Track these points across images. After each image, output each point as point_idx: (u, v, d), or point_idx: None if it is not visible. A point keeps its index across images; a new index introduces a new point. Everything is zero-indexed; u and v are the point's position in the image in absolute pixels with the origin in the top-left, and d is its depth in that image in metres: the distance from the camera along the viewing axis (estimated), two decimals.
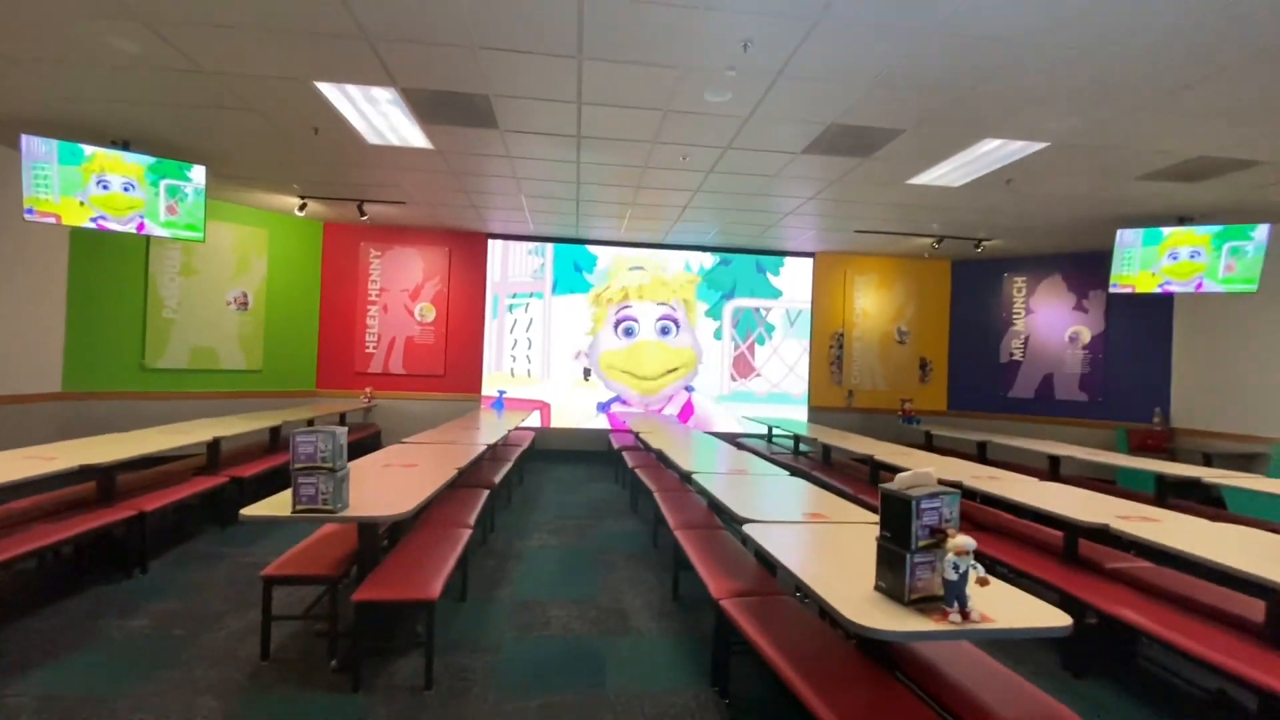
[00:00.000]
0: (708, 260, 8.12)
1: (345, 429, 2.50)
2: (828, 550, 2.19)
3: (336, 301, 7.76)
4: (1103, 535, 2.93)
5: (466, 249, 7.94)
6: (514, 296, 7.93)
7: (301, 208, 6.52)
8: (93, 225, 4.66)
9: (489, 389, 7.89)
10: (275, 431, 5.91)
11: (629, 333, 7.96)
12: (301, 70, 3.62)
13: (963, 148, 4.46)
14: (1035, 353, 7.89)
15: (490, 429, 5.44)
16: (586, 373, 7.87)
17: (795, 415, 8.24)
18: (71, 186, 4.56)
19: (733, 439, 6.89)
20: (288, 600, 3.25)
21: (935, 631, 1.58)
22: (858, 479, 5.40)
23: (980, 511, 4.23)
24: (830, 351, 8.38)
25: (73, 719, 2.21)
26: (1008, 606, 1.69)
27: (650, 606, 3.42)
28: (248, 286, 7.06)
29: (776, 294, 8.19)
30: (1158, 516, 2.92)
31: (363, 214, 6.60)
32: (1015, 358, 8.03)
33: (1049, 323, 7.82)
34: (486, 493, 4.30)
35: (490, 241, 7.96)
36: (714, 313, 8.13)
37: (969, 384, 8.38)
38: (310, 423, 6.53)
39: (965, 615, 1.60)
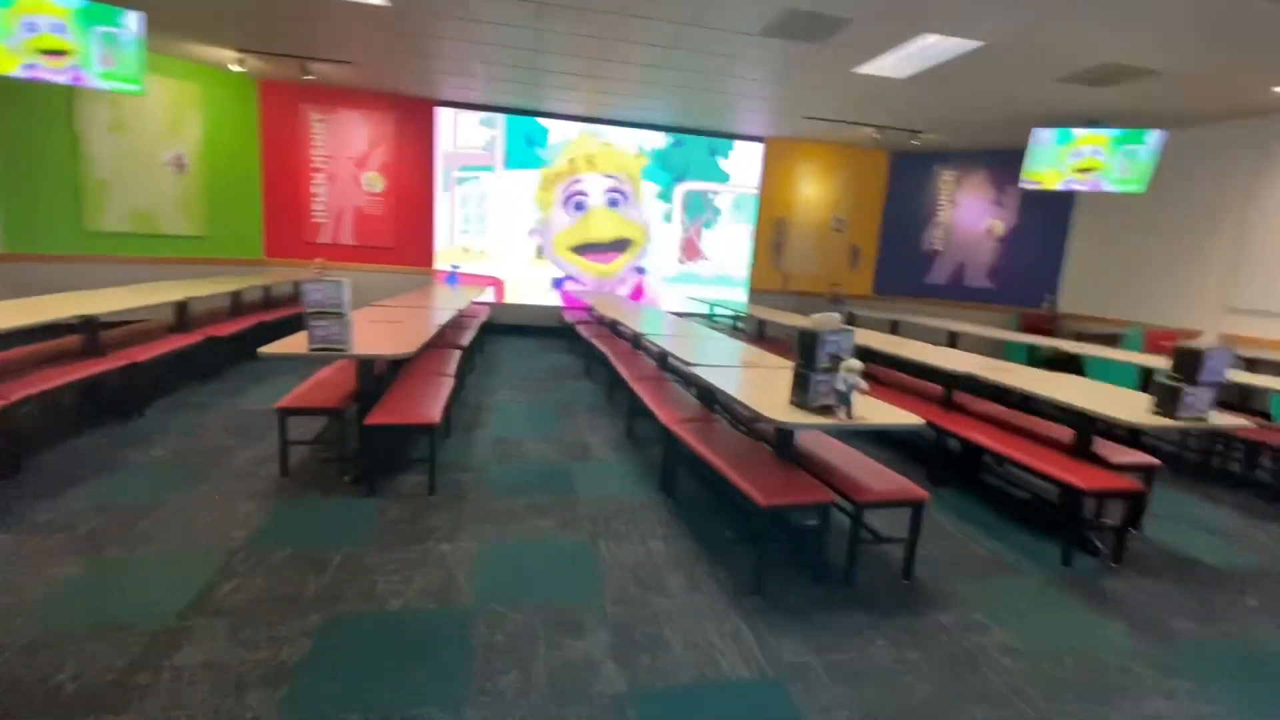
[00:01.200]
0: (660, 141, 8.23)
1: (349, 280, 2.84)
2: (757, 385, 2.78)
3: (280, 167, 7.53)
4: (971, 386, 3.69)
5: (414, 116, 7.73)
6: (464, 169, 7.90)
7: (239, 61, 6.18)
8: (24, 74, 4.41)
9: (441, 264, 8.06)
10: (236, 296, 6.02)
11: (579, 206, 8.14)
12: None
13: (906, 39, 4.75)
14: (954, 242, 8.65)
15: (451, 299, 5.76)
16: (539, 250, 8.11)
17: (737, 297, 8.85)
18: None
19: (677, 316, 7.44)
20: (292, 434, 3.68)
21: (824, 424, 2.20)
22: (786, 349, 6.12)
23: (885, 373, 5.01)
24: (773, 236, 8.88)
25: (130, 519, 2.65)
26: (881, 413, 2.33)
27: (608, 442, 4.06)
28: (183, 147, 6.77)
29: (725, 178, 8.48)
30: (1011, 369, 3.69)
31: (306, 72, 6.32)
32: (936, 247, 8.78)
33: (970, 215, 8.53)
34: (459, 352, 4.72)
35: (439, 110, 7.77)
36: (665, 195, 8.37)
37: (893, 271, 9.15)
38: (267, 291, 6.64)
39: (849, 416, 2.23)
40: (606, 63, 5.86)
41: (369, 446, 3.02)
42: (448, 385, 3.66)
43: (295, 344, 2.84)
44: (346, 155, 7.64)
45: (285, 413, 3.06)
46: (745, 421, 3.47)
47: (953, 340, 6.44)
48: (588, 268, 8.32)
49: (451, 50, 5.85)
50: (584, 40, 5.28)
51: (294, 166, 7.55)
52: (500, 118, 7.82)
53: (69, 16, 4.45)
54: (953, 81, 5.62)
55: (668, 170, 8.33)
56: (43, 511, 2.64)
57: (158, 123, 6.54)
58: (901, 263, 9.06)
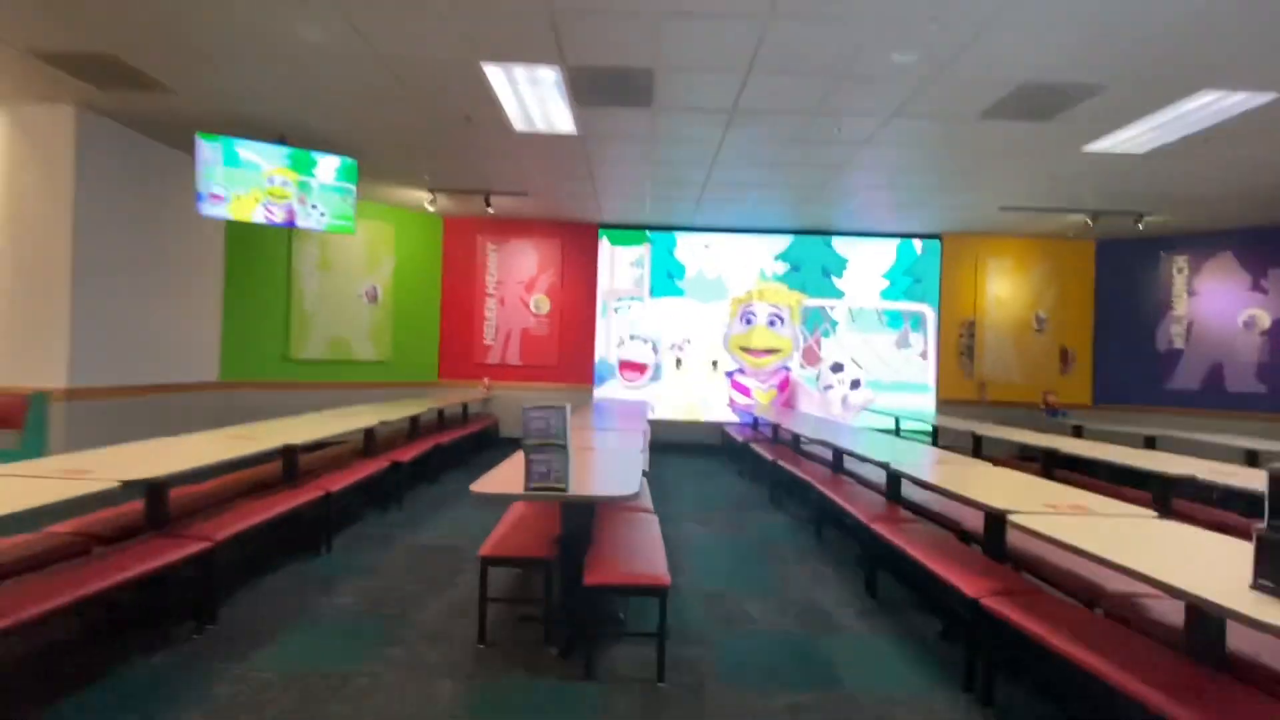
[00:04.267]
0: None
1: (569, 405, 2.41)
2: (1128, 544, 1.91)
3: (456, 294, 7.91)
4: None
5: (578, 240, 7.92)
6: (619, 300, 7.92)
7: (431, 201, 6.65)
8: (261, 219, 4.87)
9: (603, 381, 7.88)
10: (415, 420, 6.07)
11: (748, 321, 7.89)
12: (473, 51, 3.59)
13: (1169, 103, 3.98)
14: (1200, 339, 7.13)
15: (626, 417, 5.35)
16: (714, 364, 7.91)
17: (898, 404, 7.80)
18: (242, 182, 4.77)
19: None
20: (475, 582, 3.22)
21: None
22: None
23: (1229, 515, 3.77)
24: (960, 341, 7.86)
25: (317, 693, 2.21)
26: None
27: (849, 605, 3.19)
28: (377, 280, 7.29)
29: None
30: None
31: (488, 205, 6.66)
32: (1176, 345, 7.28)
33: (1218, 306, 7.05)
34: (643, 478, 4.18)
35: (601, 243, 7.91)
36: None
37: (1119, 375, 7.67)
38: (441, 414, 6.66)
39: None
40: (783, 168, 5.59)
41: (586, 610, 2.44)
42: (656, 526, 3.07)
43: (507, 482, 2.41)
44: (516, 280, 7.89)
45: (488, 562, 2.59)
46: (1110, 601, 2.51)
47: (1252, 460, 4.96)
48: (749, 360, 7.98)
49: (624, 173, 5.88)
50: (767, 147, 5.04)
51: (469, 293, 7.89)
52: (646, 258, 7.84)
53: (293, 176, 4.90)
54: (1207, 151, 4.68)
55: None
56: (230, 681, 2.27)
57: (359, 260, 7.12)
58: (1130, 365, 7.59)
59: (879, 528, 3.17)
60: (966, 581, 2.39)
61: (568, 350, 7.91)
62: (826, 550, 4.13)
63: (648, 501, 3.58)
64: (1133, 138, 4.55)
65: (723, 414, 7.91)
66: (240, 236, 6.30)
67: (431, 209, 6.78)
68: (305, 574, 3.37)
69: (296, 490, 3.60)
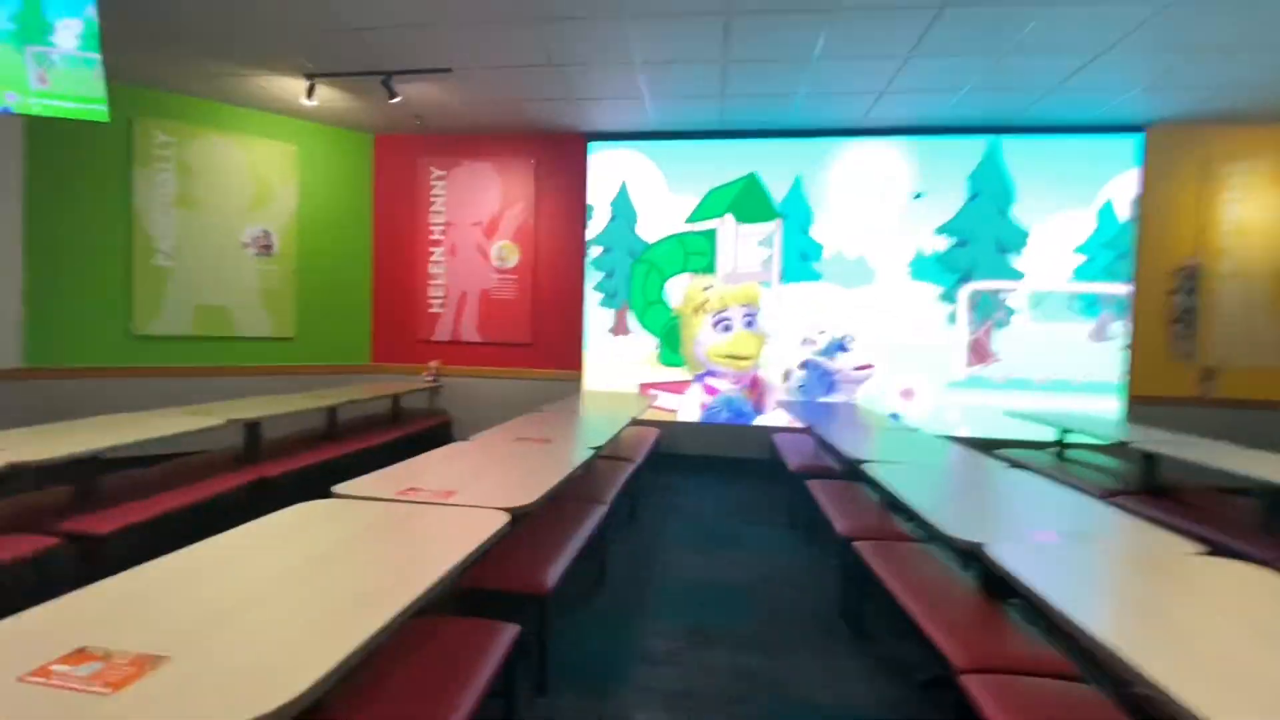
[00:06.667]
0: (942, 245, 5.06)
1: None
2: None
3: (393, 243, 5.71)
4: None
5: (559, 157, 5.46)
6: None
7: (310, 92, 4.39)
8: None
9: (602, 364, 5.46)
10: (333, 414, 4.25)
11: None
12: None
13: None
14: None
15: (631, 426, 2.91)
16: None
17: (1078, 406, 4.86)
18: None
19: (981, 447, 3.79)
20: None
21: None
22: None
23: None
24: (1172, 302, 4.79)
25: None
26: None
27: None
28: (271, 223, 5.19)
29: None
30: None
31: (392, 95, 4.33)
32: None
33: None
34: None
35: (593, 159, 5.41)
36: (948, 296, 5.03)
37: None
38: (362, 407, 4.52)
39: None
40: (847, 11, 2.87)
41: None
42: None
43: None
44: (472, 220, 5.57)
45: None
46: None
47: None
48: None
49: (595, 31, 3.36)
50: None
51: (409, 240, 5.66)
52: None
53: None
54: None
55: (952, 271, 5.05)
56: None
57: (241, 193, 5.03)
58: None
59: None
60: None
61: (546, 320, 5.54)
62: None
63: None
64: None
65: (776, 416, 5.31)
66: (48, 144, 4.34)
67: (311, 103, 4.52)
68: None
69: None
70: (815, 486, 3.23)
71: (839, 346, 5.27)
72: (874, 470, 2.51)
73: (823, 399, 5.25)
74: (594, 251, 5.46)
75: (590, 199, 5.44)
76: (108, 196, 4.57)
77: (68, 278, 4.47)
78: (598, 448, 2.71)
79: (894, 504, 2.90)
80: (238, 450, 3.68)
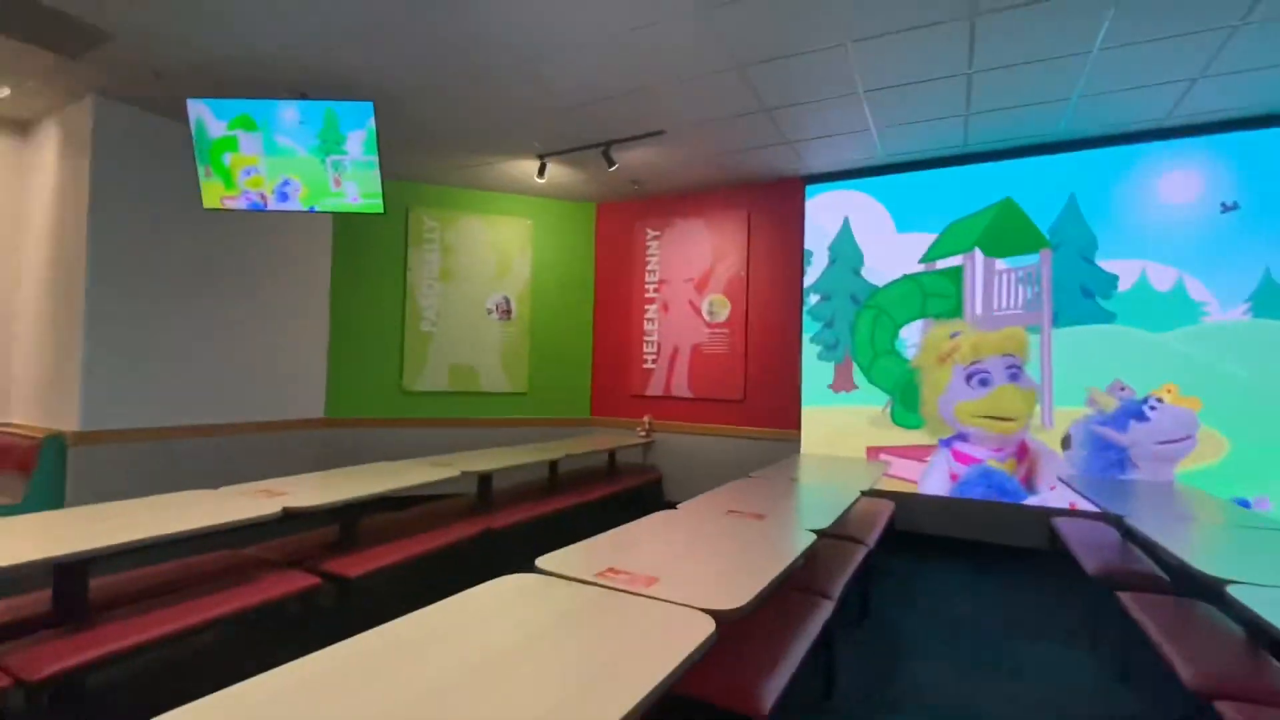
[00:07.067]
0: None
1: None
2: None
3: (611, 303, 5.94)
4: None
5: (770, 204, 5.22)
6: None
7: (540, 171, 4.80)
8: (244, 204, 3.56)
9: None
10: (554, 467, 4.45)
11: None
12: None
13: None
14: None
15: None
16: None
17: None
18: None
19: None
20: None
21: None
22: None
23: None
24: None
25: None
26: None
27: None
28: (510, 290, 5.75)
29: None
30: None
31: (611, 164, 4.52)
32: None
33: None
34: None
35: (813, 203, 5.07)
36: None
37: None
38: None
39: None
40: None
41: None
42: None
43: None
44: (684, 277, 5.56)
45: None
46: None
47: None
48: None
49: (811, 73, 3.13)
50: None
51: (625, 300, 5.84)
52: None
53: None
54: None
55: None
56: None
57: (487, 266, 5.68)
58: None
59: None
60: None
61: (758, 375, 5.22)
62: None
63: None
64: None
65: (1053, 494, 4.24)
66: (349, 240, 5.36)
67: (542, 181, 4.93)
68: None
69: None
70: (1134, 604, 2.35)
71: (1135, 413, 4.05)
72: (1243, 595, 1.70)
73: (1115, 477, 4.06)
74: (811, 300, 5.05)
75: (808, 244, 5.07)
76: (388, 274, 5.46)
77: (358, 343, 5.39)
78: (821, 530, 2.28)
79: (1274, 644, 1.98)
80: (472, 499, 3.95)
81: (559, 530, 4.07)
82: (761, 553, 1.93)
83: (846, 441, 4.85)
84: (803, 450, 4.96)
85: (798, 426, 5.01)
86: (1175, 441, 3.97)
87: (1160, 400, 4.01)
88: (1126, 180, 4.14)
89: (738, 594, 1.54)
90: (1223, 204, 3.90)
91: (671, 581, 1.62)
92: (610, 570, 1.68)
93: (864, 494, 3.12)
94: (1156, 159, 4.06)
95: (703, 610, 1.43)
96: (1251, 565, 2.05)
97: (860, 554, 3.05)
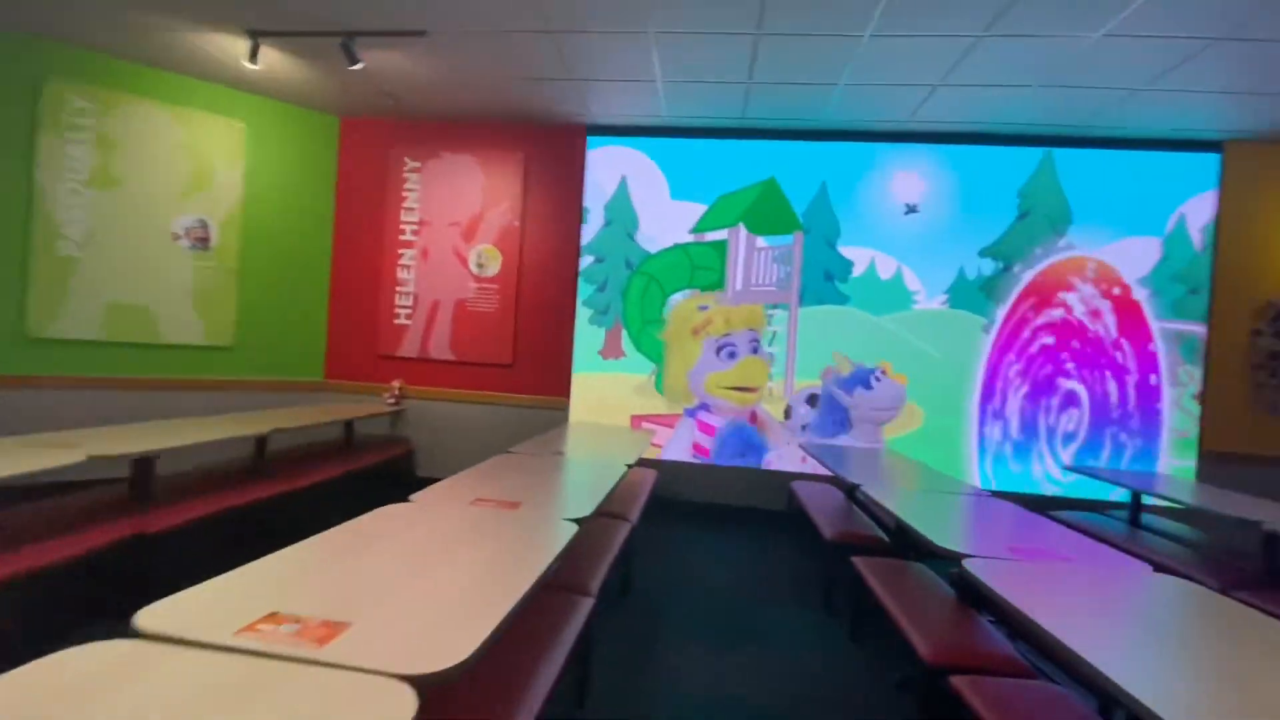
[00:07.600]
0: (985, 266, 4.40)
1: None
2: None
3: (356, 242, 4.95)
4: None
5: (553, 152, 4.77)
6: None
7: (253, 53, 3.65)
8: None
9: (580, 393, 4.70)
10: (261, 443, 3.32)
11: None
12: None
13: None
14: None
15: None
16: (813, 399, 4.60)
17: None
18: None
19: (1036, 506, 3.10)
20: None
21: None
22: None
23: None
24: (1257, 344, 4.16)
25: None
26: None
27: None
28: (210, 212, 4.42)
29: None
30: None
31: (353, 60, 3.60)
32: None
33: None
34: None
35: (594, 155, 4.72)
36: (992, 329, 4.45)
37: None
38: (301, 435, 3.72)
39: None
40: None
41: None
42: None
43: None
44: (449, 220, 4.84)
45: None
46: None
47: None
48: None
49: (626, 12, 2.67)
50: None
51: (376, 240, 4.91)
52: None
53: None
54: None
55: (994, 300, 4.45)
56: None
57: (174, 174, 4.27)
58: None
59: None
60: None
61: (530, 338, 4.80)
62: None
63: None
64: None
65: (790, 461, 4.58)
66: None
67: (253, 67, 3.78)
68: None
69: None
70: (868, 569, 2.49)
71: (862, 381, 4.56)
72: (977, 568, 1.77)
73: (834, 440, 4.54)
74: (586, 261, 4.74)
75: (586, 202, 4.74)
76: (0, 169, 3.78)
77: None
78: (582, 519, 1.95)
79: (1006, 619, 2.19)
80: (123, 492, 2.88)
81: (259, 528, 3.20)
82: (506, 565, 1.51)
83: (613, 410, 4.70)
84: (571, 419, 4.69)
85: (567, 394, 4.72)
86: (886, 409, 4.54)
87: (885, 373, 4.55)
88: (867, 175, 4.54)
89: (458, 641, 1.10)
90: (908, 205, 4.50)
91: (364, 629, 1.11)
92: (269, 618, 1.11)
93: (629, 466, 2.91)
94: (891, 159, 4.52)
95: (399, 678, 0.96)
96: (954, 528, 2.23)
97: (624, 531, 2.85)
